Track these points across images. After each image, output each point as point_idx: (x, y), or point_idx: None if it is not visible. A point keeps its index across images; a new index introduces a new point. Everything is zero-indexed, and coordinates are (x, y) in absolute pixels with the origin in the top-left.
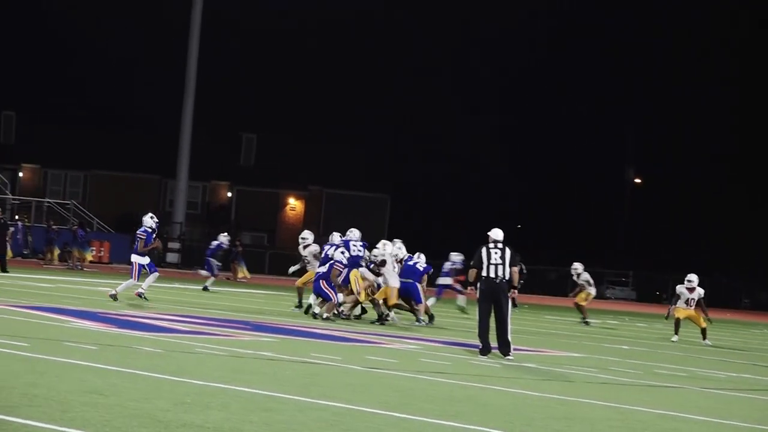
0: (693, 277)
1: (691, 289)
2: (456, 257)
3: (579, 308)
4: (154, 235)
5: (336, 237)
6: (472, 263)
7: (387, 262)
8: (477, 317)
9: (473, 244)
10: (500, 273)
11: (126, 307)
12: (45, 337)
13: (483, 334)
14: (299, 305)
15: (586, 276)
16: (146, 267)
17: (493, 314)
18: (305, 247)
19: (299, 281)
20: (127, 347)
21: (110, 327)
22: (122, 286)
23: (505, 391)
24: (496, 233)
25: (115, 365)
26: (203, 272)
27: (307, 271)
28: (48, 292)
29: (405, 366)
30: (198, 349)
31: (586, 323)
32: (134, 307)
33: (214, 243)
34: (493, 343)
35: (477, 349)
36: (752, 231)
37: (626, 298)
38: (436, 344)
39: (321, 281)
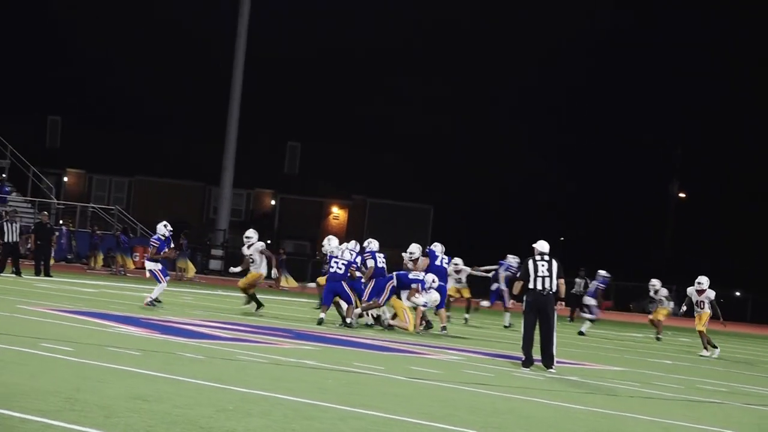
0: (703, 279)
1: (700, 291)
2: (512, 260)
3: (654, 324)
4: (170, 244)
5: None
6: (518, 276)
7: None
8: (522, 329)
9: (517, 256)
10: (547, 285)
11: (169, 313)
12: (89, 342)
13: (527, 346)
14: (251, 303)
15: (664, 292)
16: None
17: (538, 327)
18: (249, 246)
19: (242, 282)
20: (169, 353)
21: (153, 333)
22: (155, 292)
23: (548, 403)
24: (543, 245)
25: (158, 371)
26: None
27: (250, 272)
28: (92, 297)
29: (448, 377)
30: (240, 356)
31: (658, 339)
32: (177, 313)
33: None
34: (536, 355)
35: (520, 361)
36: None
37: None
38: (480, 356)
39: (342, 283)
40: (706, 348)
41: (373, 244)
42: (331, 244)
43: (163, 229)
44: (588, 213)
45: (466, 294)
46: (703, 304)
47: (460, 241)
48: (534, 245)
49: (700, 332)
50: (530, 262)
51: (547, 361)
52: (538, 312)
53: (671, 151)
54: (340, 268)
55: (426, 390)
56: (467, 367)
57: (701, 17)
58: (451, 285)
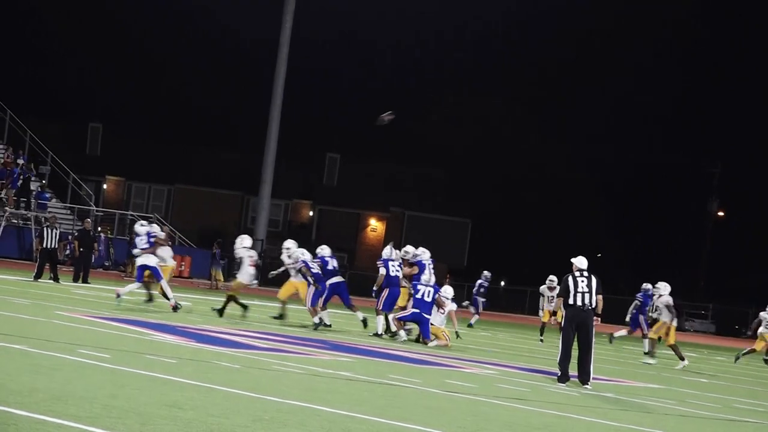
0: (661, 285)
1: (657, 297)
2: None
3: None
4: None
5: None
6: (558, 293)
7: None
8: (560, 344)
9: (555, 271)
10: (587, 301)
11: (204, 321)
12: (126, 349)
13: (564, 361)
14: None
15: (666, 299)
16: (150, 270)
17: (576, 342)
18: (289, 256)
19: (282, 293)
20: (205, 362)
21: (189, 341)
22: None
23: (583, 419)
24: (581, 261)
25: (193, 379)
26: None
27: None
28: (128, 305)
29: (483, 391)
30: (275, 366)
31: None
32: (213, 322)
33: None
34: (572, 371)
35: (556, 377)
36: None
37: (705, 331)
38: (515, 370)
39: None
40: (682, 359)
41: (325, 250)
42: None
43: (148, 228)
44: (627, 230)
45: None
46: (659, 309)
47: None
48: (573, 260)
49: (671, 345)
50: (570, 278)
51: (584, 377)
52: (578, 328)
53: (711, 169)
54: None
55: (461, 403)
56: (502, 382)
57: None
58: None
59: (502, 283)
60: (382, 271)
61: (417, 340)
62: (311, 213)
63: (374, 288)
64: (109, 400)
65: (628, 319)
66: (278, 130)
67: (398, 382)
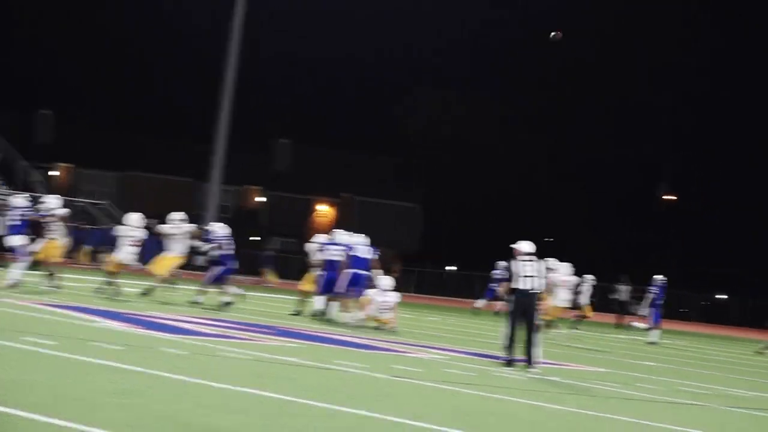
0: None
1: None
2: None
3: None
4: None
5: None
6: (504, 278)
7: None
8: (506, 328)
9: (507, 257)
10: (533, 285)
11: (152, 307)
12: (72, 336)
13: (510, 346)
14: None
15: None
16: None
17: (522, 327)
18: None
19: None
20: (152, 348)
21: (136, 327)
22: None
23: (529, 404)
24: (527, 246)
25: (140, 366)
26: None
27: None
28: (76, 292)
29: (430, 376)
30: (222, 352)
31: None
32: (161, 308)
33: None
34: (520, 355)
35: (502, 361)
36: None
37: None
38: (462, 355)
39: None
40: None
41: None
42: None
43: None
44: (576, 214)
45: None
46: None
47: (450, 239)
48: (515, 246)
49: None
50: (516, 263)
51: (530, 361)
52: (524, 312)
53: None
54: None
55: (407, 388)
56: (449, 366)
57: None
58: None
59: (448, 268)
60: (318, 255)
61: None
62: (262, 199)
63: (315, 270)
64: (55, 388)
65: (644, 311)
66: (229, 117)
67: (345, 368)
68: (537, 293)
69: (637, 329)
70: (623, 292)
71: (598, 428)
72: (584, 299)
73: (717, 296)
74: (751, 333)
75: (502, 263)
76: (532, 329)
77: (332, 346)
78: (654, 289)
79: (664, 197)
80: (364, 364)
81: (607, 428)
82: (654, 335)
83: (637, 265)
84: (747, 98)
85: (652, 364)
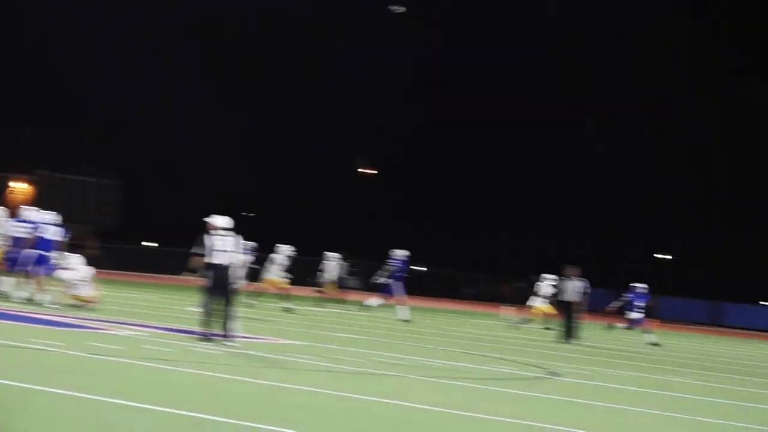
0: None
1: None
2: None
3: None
4: None
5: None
6: (196, 250)
7: None
8: (202, 303)
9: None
10: (229, 260)
11: None
12: None
13: (207, 320)
14: None
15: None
16: None
17: (219, 301)
18: None
19: None
20: None
21: None
22: None
23: (229, 378)
24: (222, 220)
25: None
26: None
27: None
28: None
29: (128, 353)
30: None
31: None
32: None
33: None
34: (218, 330)
35: (201, 336)
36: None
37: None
38: (161, 331)
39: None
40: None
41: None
42: None
43: None
44: (279, 188)
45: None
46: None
47: (149, 215)
48: (208, 220)
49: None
50: (210, 237)
51: (228, 335)
52: (220, 287)
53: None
54: None
55: (107, 365)
56: (148, 343)
57: None
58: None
59: (146, 244)
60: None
61: None
62: None
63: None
64: None
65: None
66: None
67: (40, 346)
68: (232, 267)
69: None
70: (340, 268)
71: (295, 401)
72: (329, 276)
73: (414, 267)
74: (446, 303)
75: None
76: (228, 303)
77: (27, 324)
78: (396, 263)
79: (361, 170)
80: (61, 342)
81: (305, 401)
82: (403, 310)
83: (349, 239)
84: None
85: (347, 336)
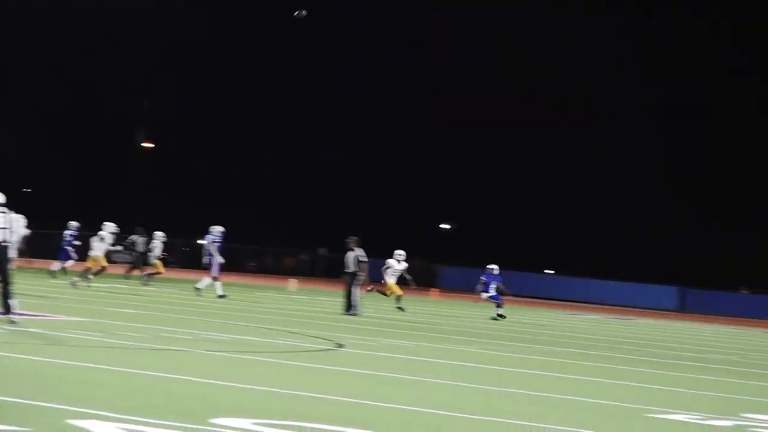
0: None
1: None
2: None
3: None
4: None
5: None
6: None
7: None
8: None
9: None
10: (6, 237)
11: None
12: None
13: None
14: None
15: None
16: None
17: None
18: None
19: None
20: None
21: None
22: None
23: (12, 356)
24: None
25: None
26: None
27: None
28: None
29: None
30: None
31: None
32: None
33: None
34: None
35: None
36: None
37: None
38: None
39: None
40: None
41: None
42: None
43: None
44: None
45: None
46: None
47: None
48: None
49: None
50: None
51: (8, 311)
52: None
53: (138, 102)
54: None
55: None
56: None
57: None
58: None
59: None
60: None
61: None
62: None
63: None
64: None
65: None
66: None
67: None
68: (8, 245)
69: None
70: (139, 243)
71: (87, 379)
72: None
73: (198, 241)
74: (232, 277)
75: (74, 223)
76: (6, 281)
77: None
78: (215, 239)
79: (143, 144)
80: None
81: (94, 378)
82: (219, 287)
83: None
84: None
85: (132, 311)
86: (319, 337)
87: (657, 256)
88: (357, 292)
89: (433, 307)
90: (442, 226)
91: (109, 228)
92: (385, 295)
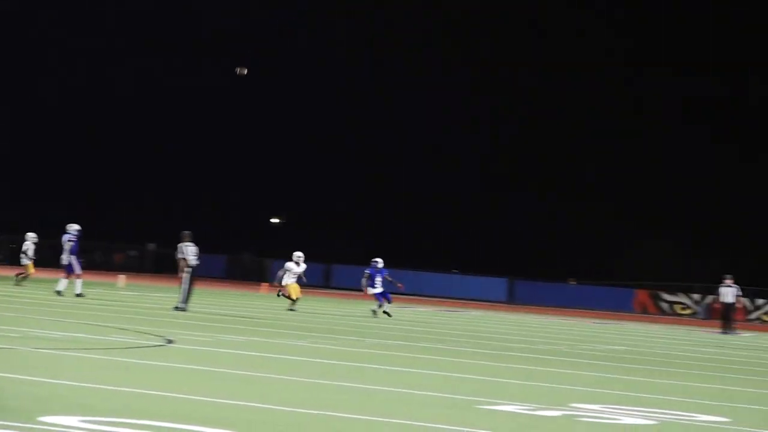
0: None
1: None
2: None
3: None
4: None
5: None
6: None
7: None
8: None
9: None
10: None
11: None
12: None
13: None
14: None
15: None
16: None
17: None
18: None
19: None
20: None
21: None
22: None
23: None
24: None
25: None
26: None
27: None
28: None
29: None
30: None
31: None
32: None
33: None
34: None
35: None
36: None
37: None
38: None
39: None
40: None
41: None
42: None
43: None
44: None
45: None
46: None
47: None
48: None
49: None
50: None
51: None
52: None
53: None
54: None
55: None
56: None
57: None
58: None
59: None
60: None
61: None
62: None
63: None
64: None
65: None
66: None
67: None
68: None
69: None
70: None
71: None
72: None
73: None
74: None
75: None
76: None
77: None
78: (69, 237)
79: None
80: None
81: None
82: (78, 285)
83: None
84: None
85: None
86: (150, 333)
87: (485, 249)
88: (188, 287)
89: (265, 302)
90: (273, 220)
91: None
92: (291, 299)
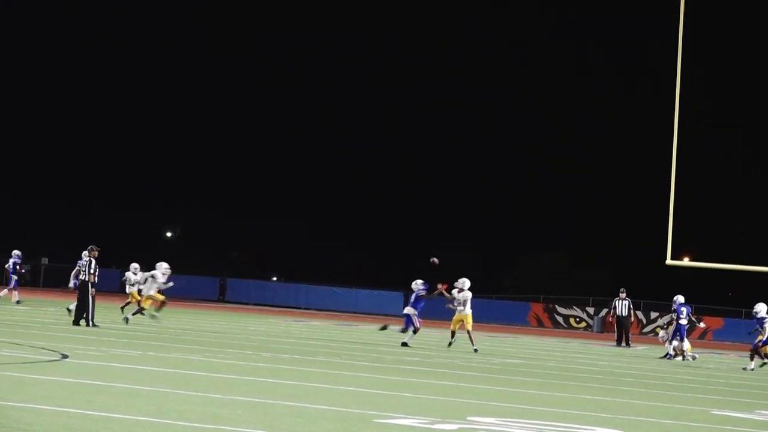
0: None
1: None
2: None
3: None
4: None
5: None
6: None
7: None
8: None
9: None
10: None
11: None
12: None
13: None
14: None
15: None
16: None
17: None
18: None
19: None
20: None
21: None
22: None
23: None
24: None
25: None
26: None
27: None
28: None
29: None
30: None
31: None
32: None
33: None
34: None
35: None
36: None
37: None
38: None
39: None
40: None
41: None
42: None
43: None
44: None
45: None
46: None
47: None
48: None
49: None
50: None
51: None
52: None
53: None
54: None
55: None
56: None
57: None
58: None
59: None
60: None
61: None
62: None
63: None
64: None
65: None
66: None
67: None
68: None
69: None
70: None
71: None
72: None
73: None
74: None
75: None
76: None
77: None
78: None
79: None
80: None
81: None
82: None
83: None
84: None
85: None
86: (45, 348)
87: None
88: (91, 301)
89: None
90: (168, 234)
91: None
92: (159, 306)
